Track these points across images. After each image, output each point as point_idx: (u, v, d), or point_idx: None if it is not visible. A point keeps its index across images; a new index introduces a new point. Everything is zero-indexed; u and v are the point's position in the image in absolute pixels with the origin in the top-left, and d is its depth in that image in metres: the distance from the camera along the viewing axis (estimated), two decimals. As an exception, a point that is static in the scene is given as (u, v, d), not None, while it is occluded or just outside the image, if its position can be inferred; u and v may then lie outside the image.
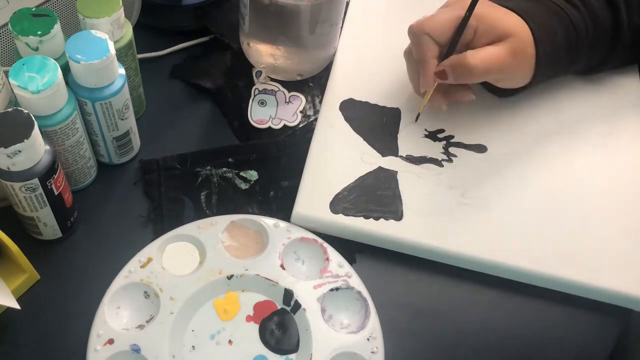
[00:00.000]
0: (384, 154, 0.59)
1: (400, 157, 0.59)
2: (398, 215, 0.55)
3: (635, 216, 0.57)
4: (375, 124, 0.61)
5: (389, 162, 0.58)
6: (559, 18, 0.57)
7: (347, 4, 0.69)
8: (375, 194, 0.56)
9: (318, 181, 0.57)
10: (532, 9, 0.58)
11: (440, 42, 0.55)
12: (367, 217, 0.55)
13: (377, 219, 0.55)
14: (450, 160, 0.59)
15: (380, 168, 0.58)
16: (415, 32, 0.56)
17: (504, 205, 0.57)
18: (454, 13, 0.55)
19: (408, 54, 0.59)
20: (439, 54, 0.56)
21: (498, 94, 0.62)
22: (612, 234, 0.56)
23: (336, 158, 0.58)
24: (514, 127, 0.61)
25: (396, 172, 0.58)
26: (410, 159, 0.59)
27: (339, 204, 0.55)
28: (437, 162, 0.59)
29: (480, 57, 0.54)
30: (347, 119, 0.61)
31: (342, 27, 0.67)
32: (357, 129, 0.60)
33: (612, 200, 0.58)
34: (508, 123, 0.62)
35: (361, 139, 0.60)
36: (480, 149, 0.60)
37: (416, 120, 0.60)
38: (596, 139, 0.61)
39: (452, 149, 0.60)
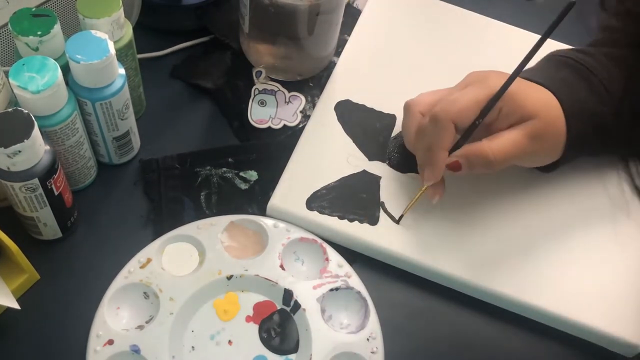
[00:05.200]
0: (370, 158, 0.59)
1: (387, 163, 0.59)
2: (373, 220, 0.55)
3: (622, 254, 0.55)
4: (368, 127, 0.61)
5: (375, 167, 0.58)
6: (588, 84, 0.54)
7: (348, 4, 0.69)
8: (355, 196, 0.56)
9: (299, 176, 0.57)
10: (561, 79, 0.54)
11: (462, 129, 0.51)
12: (341, 218, 0.55)
13: (351, 220, 0.55)
14: None
15: (364, 171, 0.58)
16: (440, 119, 0.50)
17: (485, 225, 0.56)
18: (480, 94, 0.50)
19: (424, 128, 0.52)
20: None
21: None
22: (595, 269, 0.54)
23: (321, 156, 0.58)
24: None
25: (380, 177, 0.58)
26: (397, 167, 0.58)
27: (315, 202, 0.55)
28: None
29: (498, 147, 0.50)
30: (340, 119, 0.61)
31: (352, 31, 0.67)
32: (349, 130, 0.60)
33: (601, 233, 0.56)
34: None
35: (350, 140, 0.60)
36: None
37: (398, 222, 0.55)
38: (597, 168, 0.60)
39: None
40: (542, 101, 0.52)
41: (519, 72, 0.49)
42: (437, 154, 0.51)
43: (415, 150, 0.54)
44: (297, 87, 0.64)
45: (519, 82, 0.51)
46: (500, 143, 0.50)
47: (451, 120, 0.50)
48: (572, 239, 0.56)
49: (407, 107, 0.55)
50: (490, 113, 0.50)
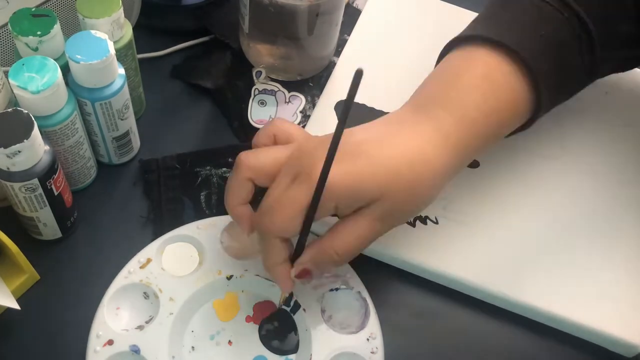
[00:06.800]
0: None
1: None
2: None
3: (622, 254, 0.55)
4: None
5: None
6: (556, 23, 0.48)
7: (348, 4, 0.69)
8: None
9: None
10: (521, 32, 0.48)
11: (293, 236, 0.45)
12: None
13: None
14: None
15: None
16: (265, 238, 0.44)
17: (484, 226, 0.55)
18: (303, 197, 0.42)
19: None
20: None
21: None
22: (595, 270, 0.54)
23: None
24: (512, 146, 0.60)
25: None
26: None
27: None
28: None
29: (340, 245, 0.44)
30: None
31: (352, 31, 0.67)
32: None
33: (601, 233, 0.56)
34: (507, 140, 0.60)
35: None
36: (472, 163, 0.58)
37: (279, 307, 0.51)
38: (597, 168, 0.60)
39: None
40: (391, 173, 0.43)
41: (324, 181, 0.41)
42: (276, 270, 0.46)
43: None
44: (297, 87, 0.64)
45: (356, 161, 0.43)
46: (343, 240, 0.44)
47: (276, 236, 0.44)
48: (573, 239, 0.56)
49: (236, 166, 0.47)
50: (324, 212, 0.43)
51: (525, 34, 0.48)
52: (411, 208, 0.46)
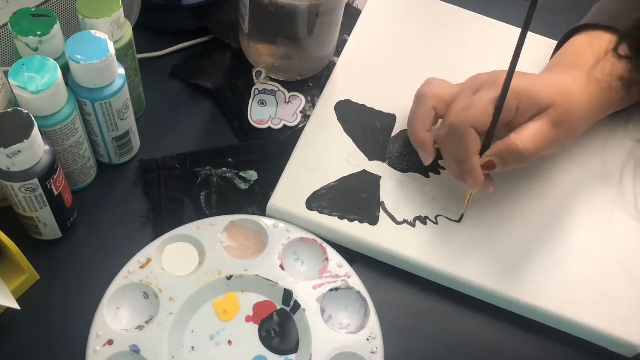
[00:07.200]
0: (370, 157, 0.59)
1: (387, 163, 0.59)
2: (373, 220, 0.55)
3: (623, 254, 0.55)
4: (368, 127, 0.61)
5: (375, 167, 0.58)
6: None
7: (348, 4, 0.69)
8: (355, 197, 0.56)
9: (299, 177, 0.57)
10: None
11: (483, 132, 0.52)
12: (341, 218, 0.55)
13: (351, 221, 0.55)
14: (437, 173, 0.58)
15: (364, 171, 0.58)
16: (459, 127, 0.51)
17: (484, 226, 0.56)
18: (494, 96, 0.51)
19: (445, 138, 0.53)
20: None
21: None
22: (595, 270, 0.54)
23: (321, 156, 0.58)
24: None
25: (380, 177, 0.58)
26: (397, 167, 0.58)
27: (315, 202, 0.55)
28: (424, 173, 0.58)
29: (527, 139, 0.51)
30: (340, 119, 0.61)
31: (352, 31, 0.67)
32: (349, 131, 0.60)
33: (602, 235, 0.56)
34: None
35: (351, 140, 0.60)
36: None
37: (460, 220, 0.56)
38: (598, 170, 0.60)
39: (441, 162, 0.59)
40: (556, 89, 0.53)
41: (514, 68, 0.49)
42: (470, 162, 0.52)
43: (446, 163, 0.55)
44: (297, 87, 0.64)
45: (528, 76, 0.53)
46: (528, 134, 0.51)
47: (470, 126, 0.51)
48: (573, 239, 0.56)
49: (421, 97, 0.56)
50: (508, 111, 0.51)
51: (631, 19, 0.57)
52: (575, 124, 0.54)
